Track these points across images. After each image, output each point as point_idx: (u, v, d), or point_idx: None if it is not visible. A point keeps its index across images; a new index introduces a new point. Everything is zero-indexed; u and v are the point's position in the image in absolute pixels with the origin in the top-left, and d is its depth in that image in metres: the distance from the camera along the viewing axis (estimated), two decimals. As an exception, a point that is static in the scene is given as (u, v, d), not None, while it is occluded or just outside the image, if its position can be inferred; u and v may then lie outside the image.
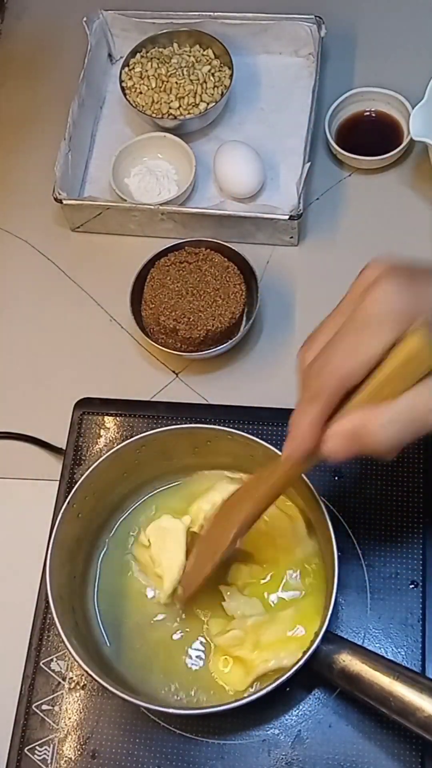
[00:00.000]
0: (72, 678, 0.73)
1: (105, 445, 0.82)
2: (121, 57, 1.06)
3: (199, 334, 0.85)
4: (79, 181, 1.00)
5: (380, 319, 0.52)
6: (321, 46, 1.01)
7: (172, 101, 0.99)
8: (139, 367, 0.90)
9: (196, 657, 0.71)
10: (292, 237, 0.93)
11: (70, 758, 0.71)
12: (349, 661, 0.64)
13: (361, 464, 0.78)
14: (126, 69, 1.02)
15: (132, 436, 0.72)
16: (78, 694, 0.73)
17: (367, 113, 1.00)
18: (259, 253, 0.93)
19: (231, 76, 1.00)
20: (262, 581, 0.72)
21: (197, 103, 0.99)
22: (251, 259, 0.89)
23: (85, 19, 1.03)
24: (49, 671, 0.74)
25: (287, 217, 0.91)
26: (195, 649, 0.71)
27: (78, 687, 0.73)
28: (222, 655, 0.70)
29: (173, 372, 0.90)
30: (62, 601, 0.67)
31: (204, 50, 1.02)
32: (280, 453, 0.68)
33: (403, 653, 0.71)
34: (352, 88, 0.99)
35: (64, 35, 1.10)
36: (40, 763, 0.71)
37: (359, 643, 0.70)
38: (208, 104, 0.99)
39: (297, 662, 0.63)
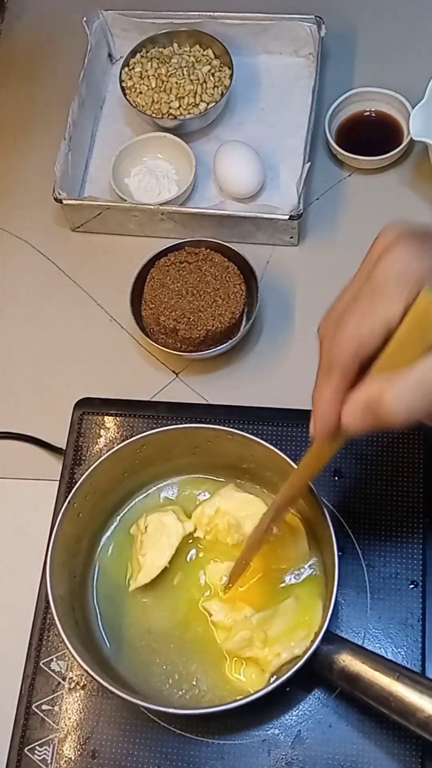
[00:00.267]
0: (72, 678, 0.73)
1: (105, 445, 0.82)
2: (121, 57, 1.06)
3: (199, 334, 0.85)
4: (79, 181, 1.00)
5: (392, 283, 0.51)
6: (321, 46, 1.01)
7: (172, 101, 0.99)
8: (139, 367, 0.90)
9: (198, 657, 0.71)
10: (292, 237, 0.93)
11: (70, 758, 0.71)
12: (349, 661, 0.64)
13: (361, 464, 0.78)
14: (126, 69, 1.02)
15: (132, 436, 0.72)
16: (78, 694, 0.73)
17: (367, 113, 1.00)
18: (259, 253, 0.93)
19: (231, 76, 1.00)
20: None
21: (197, 103, 0.99)
22: (251, 259, 0.89)
23: (85, 19, 1.03)
24: (49, 671, 0.74)
25: (287, 217, 0.91)
26: (197, 649, 0.71)
27: (78, 687, 0.73)
28: (234, 659, 0.70)
29: (173, 372, 0.90)
30: (62, 600, 0.67)
31: (204, 50, 1.02)
32: (280, 453, 0.69)
33: (403, 653, 0.71)
34: (352, 88, 0.99)
35: (64, 35, 1.11)
36: (40, 763, 0.71)
37: (359, 643, 0.70)
38: (208, 104, 0.99)
39: (297, 661, 0.63)
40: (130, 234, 0.97)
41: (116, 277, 0.93)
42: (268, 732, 0.70)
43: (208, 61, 1.01)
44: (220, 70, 1.01)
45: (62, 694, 0.73)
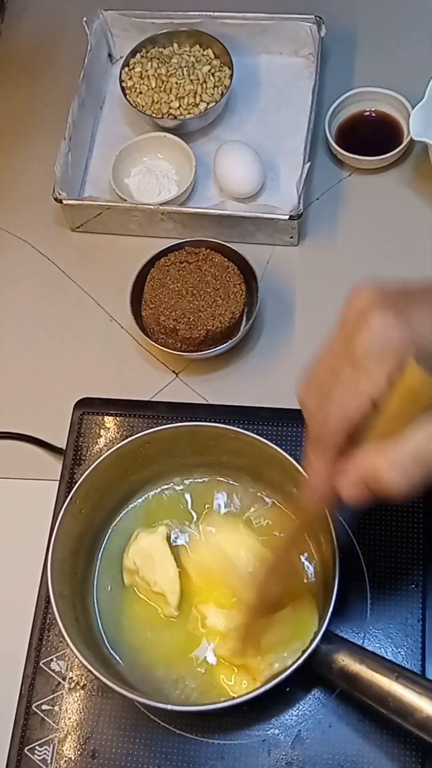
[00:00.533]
0: (72, 678, 0.73)
1: (105, 445, 0.82)
2: (121, 57, 1.06)
3: (199, 334, 0.85)
4: (79, 181, 1.00)
5: (374, 358, 0.52)
6: (321, 46, 1.01)
7: (172, 101, 0.99)
8: (139, 367, 0.90)
9: (198, 657, 0.71)
10: (292, 237, 0.93)
11: (70, 758, 0.71)
12: (348, 660, 0.64)
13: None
14: (126, 69, 1.02)
15: (132, 436, 0.72)
16: (78, 694, 0.73)
17: (367, 113, 1.00)
18: (259, 253, 0.93)
19: (231, 76, 1.00)
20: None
21: (197, 103, 0.99)
22: (251, 259, 0.89)
23: (85, 19, 1.03)
24: (49, 671, 0.74)
25: (287, 217, 0.91)
26: (197, 648, 0.71)
27: (78, 687, 0.73)
28: (225, 665, 0.70)
29: (173, 372, 0.90)
30: (63, 596, 0.67)
31: (204, 50, 1.02)
32: (281, 452, 0.69)
33: (403, 653, 0.71)
34: (352, 88, 0.99)
35: (64, 35, 1.11)
36: (40, 763, 0.71)
37: (359, 643, 0.70)
38: (208, 104, 0.99)
39: (296, 661, 0.63)
40: (130, 234, 0.97)
41: (116, 277, 0.93)
42: (268, 732, 0.70)
43: (208, 61, 1.01)
44: (220, 70, 1.01)
45: (62, 694, 0.73)
